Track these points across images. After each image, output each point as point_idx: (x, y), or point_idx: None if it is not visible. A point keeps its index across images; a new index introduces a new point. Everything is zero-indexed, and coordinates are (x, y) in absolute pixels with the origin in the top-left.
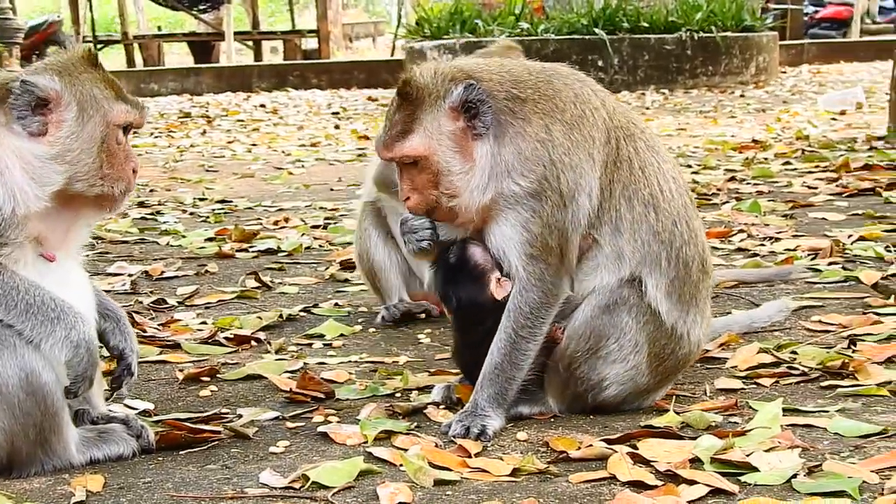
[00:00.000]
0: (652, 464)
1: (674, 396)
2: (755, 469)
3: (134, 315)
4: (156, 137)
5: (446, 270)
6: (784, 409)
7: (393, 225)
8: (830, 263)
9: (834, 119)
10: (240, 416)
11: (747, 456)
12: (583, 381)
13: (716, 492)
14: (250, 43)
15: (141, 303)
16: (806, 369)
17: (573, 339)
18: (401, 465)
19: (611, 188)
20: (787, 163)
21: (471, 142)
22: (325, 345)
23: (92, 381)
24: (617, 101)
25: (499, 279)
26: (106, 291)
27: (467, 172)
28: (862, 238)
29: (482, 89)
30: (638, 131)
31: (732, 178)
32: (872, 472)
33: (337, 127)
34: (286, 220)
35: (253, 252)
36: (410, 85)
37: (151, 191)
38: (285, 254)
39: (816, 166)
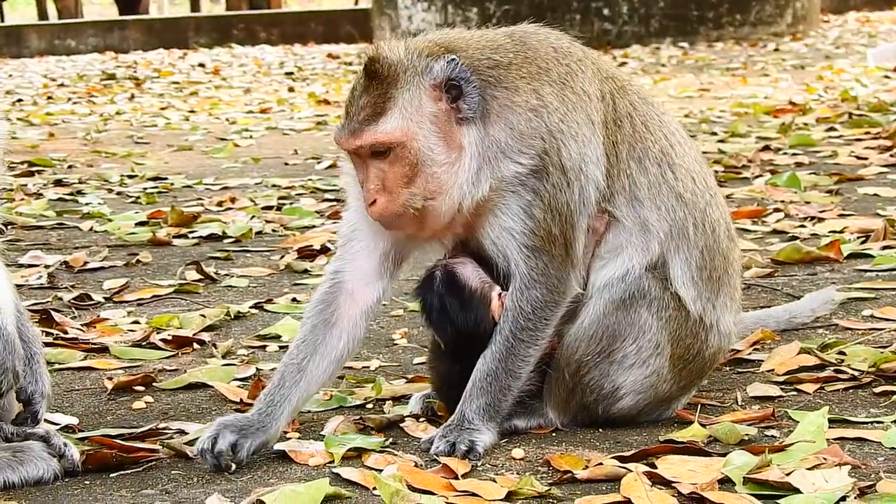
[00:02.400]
0: (674, 485)
1: (699, 406)
2: (796, 490)
3: (52, 313)
4: (74, 104)
5: (437, 300)
6: (830, 420)
7: None
8: (884, 248)
9: (887, 77)
10: (181, 433)
11: (787, 475)
12: (592, 390)
13: None
14: None
15: (60, 299)
16: (856, 373)
17: (582, 341)
18: (374, 489)
19: (616, 151)
20: (831, 129)
21: (455, 127)
22: (281, 347)
23: (16, 374)
24: (598, 54)
25: (500, 295)
26: (18, 286)
27: (453, 164)
28: None
29: (464, 66)
30: (627, 83)
31: (766, 148)
32: None
33: (291, 90)
34: (232, 200)
35: (193, 238)
36: (380, 62)
37: (70, 166)
38: (232, 240)
39: (866, 133)
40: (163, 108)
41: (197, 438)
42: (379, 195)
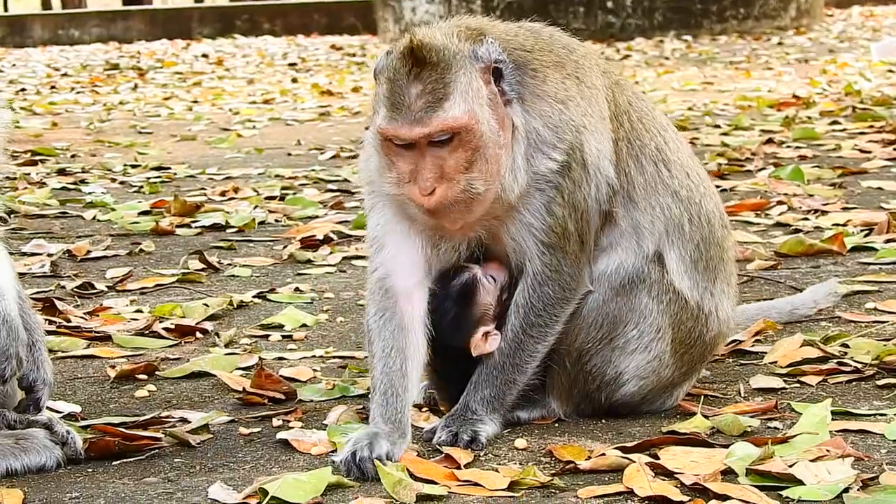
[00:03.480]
0: (676, 476)
1: (702, 397)
2: (799, 482)
3: (55, 302)
4: (77, 93)
5: (443, 300)
6: (833, 412)
7: None
8: (887, 241)
9: (890, 71)
10: (184, 421)
11: (790, 467)
12: (595, 378)
13: None
14: None
15: (63, 287)
16: (859, 365)
17: (583, 329)
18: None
19: (616, 149)
20: (835, 122)
21: (503, 109)
22: (284, 337)
23: (20, 360)
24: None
25: (486, 333)
26: (21, 275)
27: (509, 144)
28: None
29: (500, 47)
30: (620, 79)
31: (770, 141)
32: None
33: (294, 81)
34: (235, 190)
35: (196, 228)
36: (427, 48)
37: (73, 156)
38: (235, 230)
39: (870, 126)
40: (166, 99)
41: (203, 426)
42: (439, 185)
